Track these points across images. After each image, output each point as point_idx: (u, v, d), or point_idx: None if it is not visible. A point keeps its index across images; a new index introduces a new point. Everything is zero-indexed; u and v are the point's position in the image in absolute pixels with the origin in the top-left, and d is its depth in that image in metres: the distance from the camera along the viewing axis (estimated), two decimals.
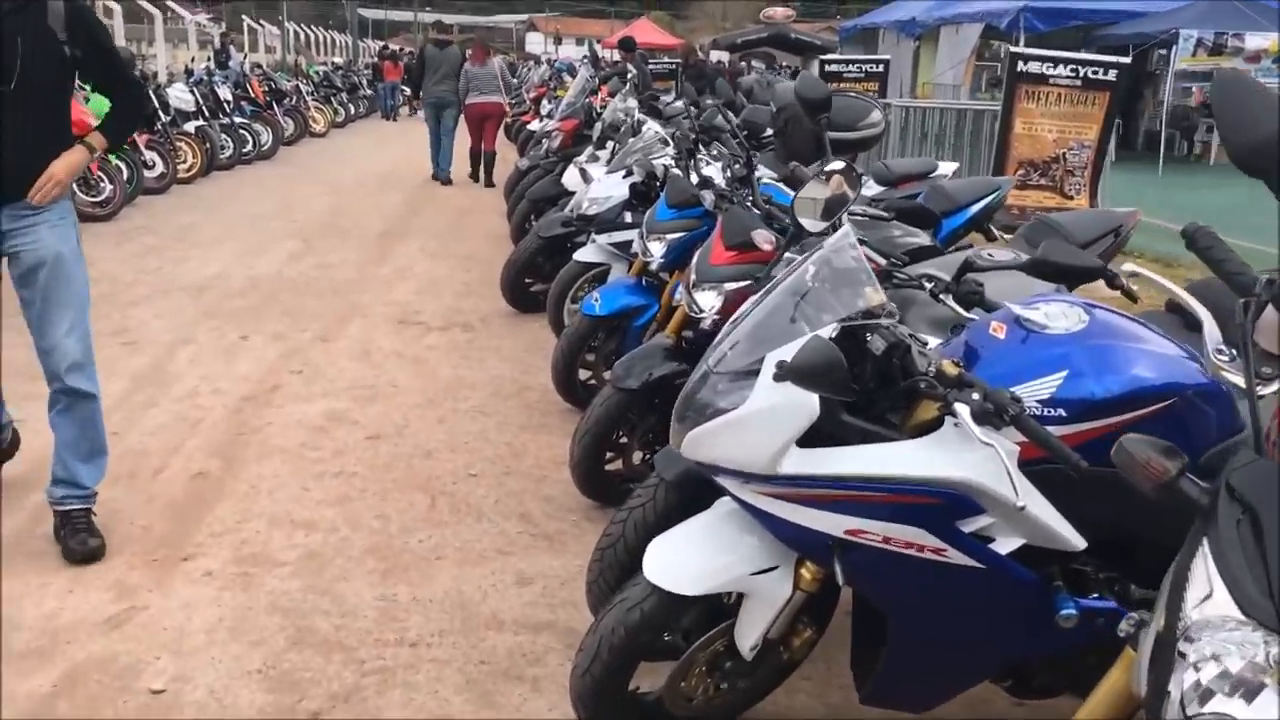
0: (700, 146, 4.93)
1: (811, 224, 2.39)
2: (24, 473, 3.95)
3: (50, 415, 3.47)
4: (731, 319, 2.32)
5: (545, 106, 15.11)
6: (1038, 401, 2.03)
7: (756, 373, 2.06)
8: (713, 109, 7.55)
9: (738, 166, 3.97)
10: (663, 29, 52.49)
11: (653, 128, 6.14)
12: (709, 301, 3.54)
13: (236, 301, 6.84)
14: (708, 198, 4.10)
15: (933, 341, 2.31)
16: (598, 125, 7.34)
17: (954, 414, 1.93)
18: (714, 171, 4.70)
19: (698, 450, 2.17)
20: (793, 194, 4.08)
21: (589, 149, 7.42)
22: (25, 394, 4.39)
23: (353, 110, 23.73)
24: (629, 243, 5.46)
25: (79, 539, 3.38)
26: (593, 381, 4.93)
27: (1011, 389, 1.96)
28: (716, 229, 3.64)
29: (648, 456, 3.86)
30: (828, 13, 75.77)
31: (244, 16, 28.60)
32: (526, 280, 6.75)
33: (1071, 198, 8.25)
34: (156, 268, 7.76)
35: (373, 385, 5.21)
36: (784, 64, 34.35)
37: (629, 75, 9.18)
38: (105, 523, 3.53)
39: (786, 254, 2.43)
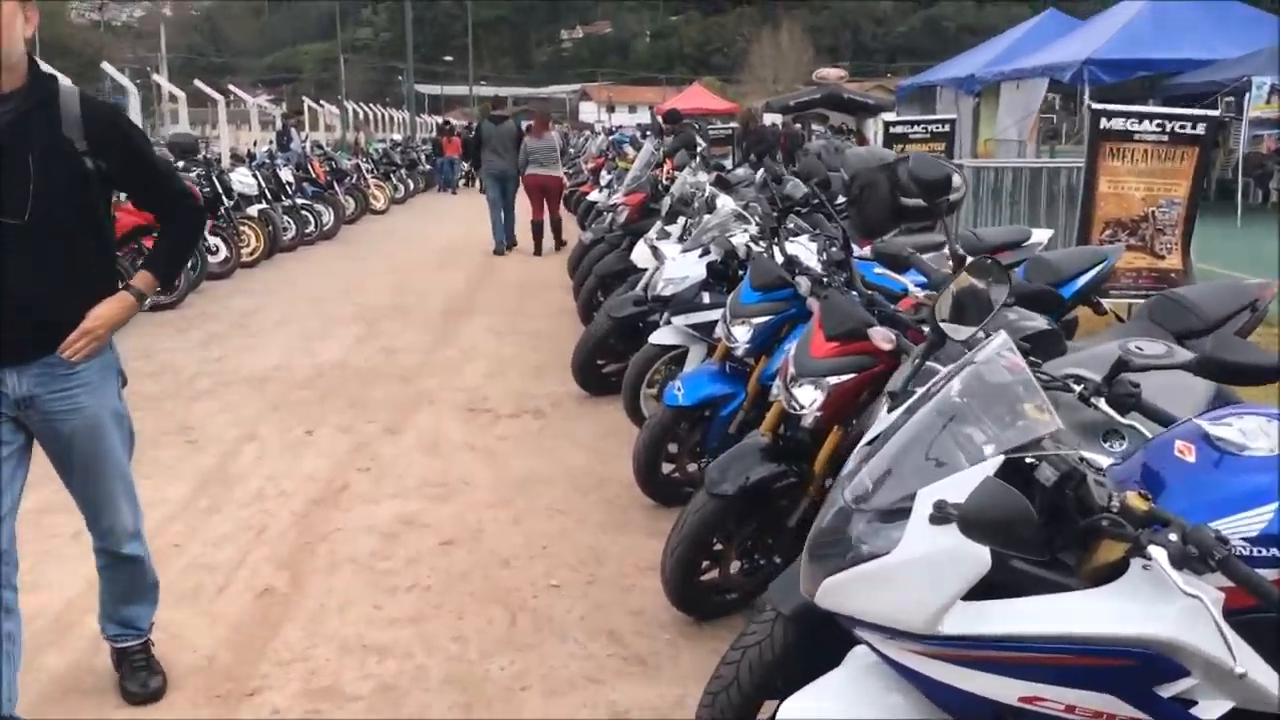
0: (782, 222, 4.67)
1: (956, 330, 2.09)
2: (76, 596, 3.73)
3: (98, 566, 3.17)
4: (865, 439, 2.02)
5: (605, 177, 15.05)
6: (1244, 540, 1.70)
7: (905, 512, 1.76)
8: (793, 180, 7.36)
9: (835, 249, 3.67)
10: (715, 94, 52.84)
11: (728, 203, 5.92)
12: (809, 397, 3.25)
13: (301, 392, 6.67)
14: (803, 284, 3.83)
15: (1101, 460, 1.99)
16: (666, 199, 7.14)
17: (1146, 557, 1.61)
18: (800, 248, 4.44)
19: (836, 599, 1.86)
20: (891, 274, 3.84)
21: (658, 224, 7.21)
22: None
23: (412, 186, 23.95)
24: (708, 324, 5.21)
25: (138, 679, 3.14)
26: (676, 475, 4.65)
27: (1213, 525, 1.64)
28: (815, 318, 3.36)
29: (746, 566, 3.56)
30: (878, 71, 76.22)
31: (304, 97, 29.11)
32: (598, 361, 6.52)
33: (1163, 257, 7.85)
34: (219, 358, 7.64)
35: (444, 482, 4.96)
36: (842, 124, 34.27)
37: (698, 148, 8.96)
38: (165, 652, 3.29)
39: (927, 362, 2.13)
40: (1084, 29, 21.29)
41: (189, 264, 9.73)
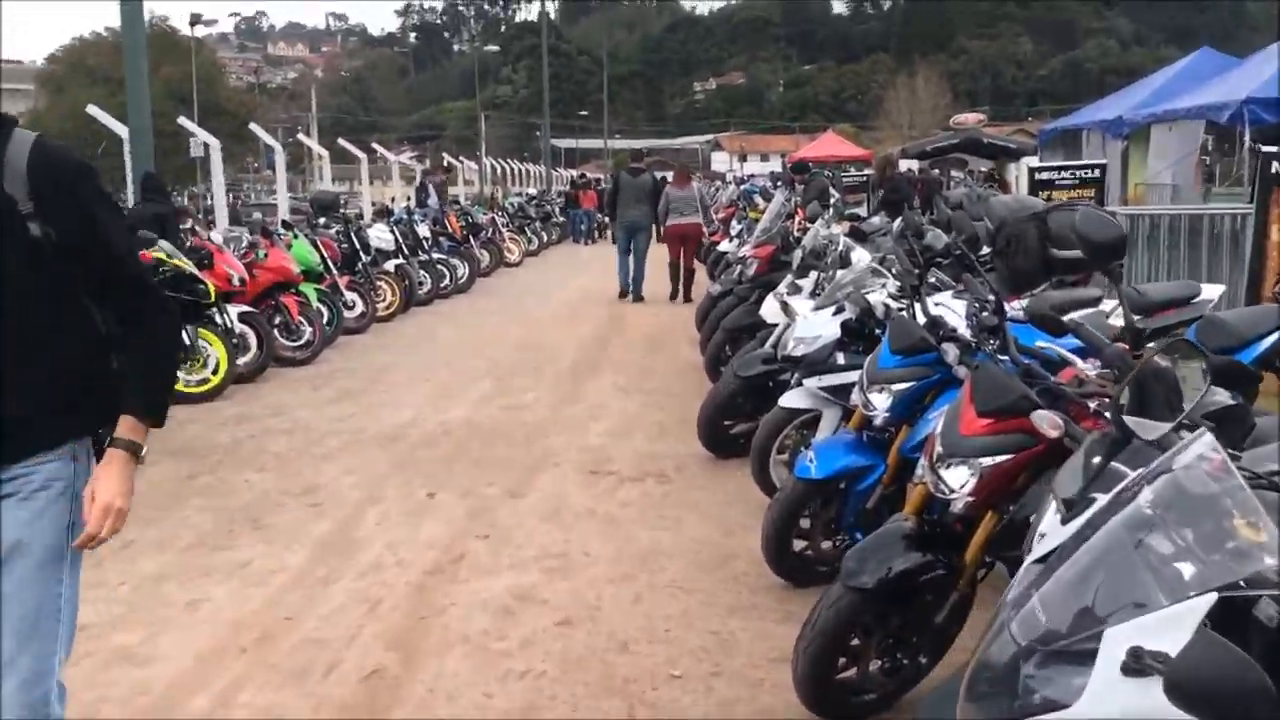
0: (923, 279, 4.35)
1: (1143, 427, 1.77)
2: (183, 673, 3.62)
3: None
4: (1033, 556, 1.71)
5: (735, 227, 14.86)
6: None
7: (1089, 655, 1.45)
8: (934, 231, 7.01)
9: (987, 313, 3.33)
10: (849, 141, 52.30)
11: (863, 257, 5.61)
12: (960, 480, 2.92)
13: (427, 451, 6.59)
14: (950, 351, 3.51)
15: None
16: (797, 252, 6.86)
17: None
18: (944, 309, 4.11)
19: None
20: (1048, 342, 3.48)
21: (788, 278, 6.92)
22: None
23: (545, 238, 24.25)
24: (842, 387, 4.90)
25: None
26: (809, 552, 4.33)
27: None
28: (965, 390, 3.03)
29: (887, 665, 3.22)
30: (1018, 115, 74.48)
31: (444, 154, 29.89)
32: (725, 422, 6.25)
33: None
34: (350, 415, 7.65)
35: (563, 553, 4.75)
36: (991, 170, 33.43)
37: (832, 200, 8.67)
38: None
39: (1112, 463, 1.81)
40: (1241, 68, 20.19)
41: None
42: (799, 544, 4.29)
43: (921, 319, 4.03)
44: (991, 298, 3.34)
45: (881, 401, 3.94)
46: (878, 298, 4.82)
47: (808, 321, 5.12)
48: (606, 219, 28.70)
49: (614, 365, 9.54)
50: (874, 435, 4.14)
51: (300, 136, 22.41)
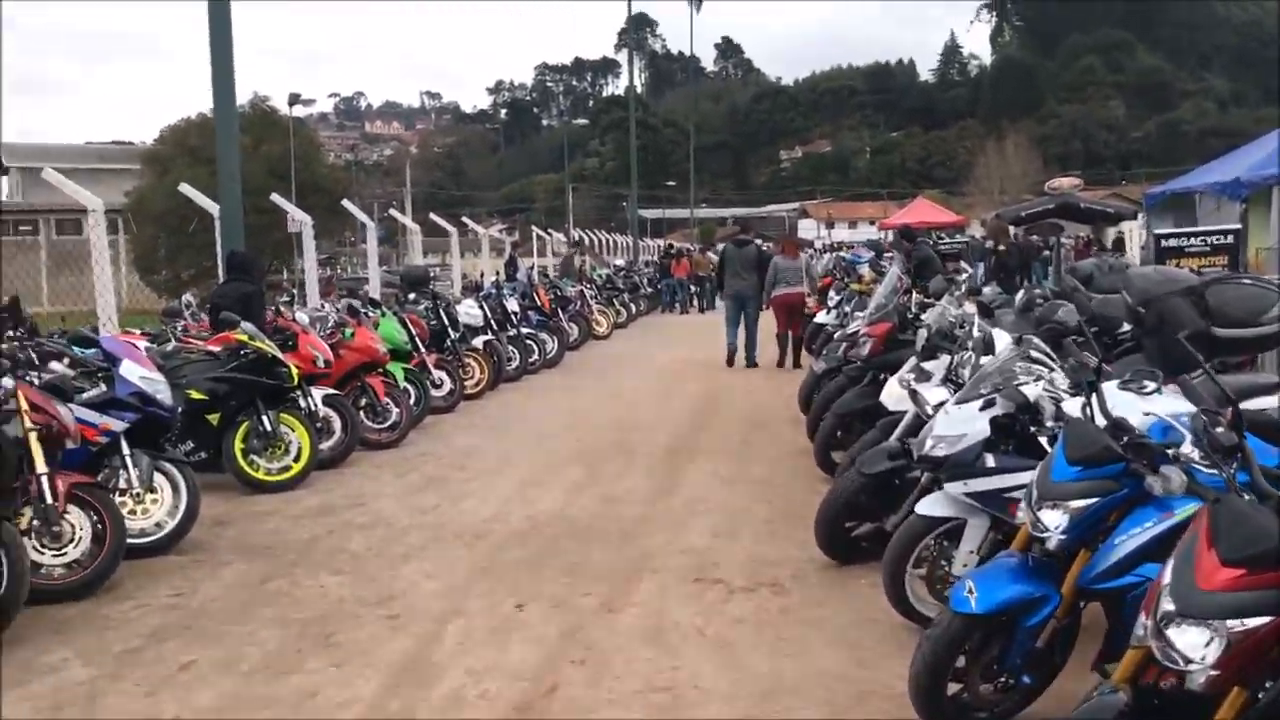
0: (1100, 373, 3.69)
1: None
2: None
3: None
4: None
5: (832, 298, 14.24)
6: None
7: None
8: (1065, 306, 6.34)
9: (1221, 428, 2.65)
10: (941, 206, 51.43)
11: (1005, 341, 4.97)
12: (1197, 647, 2.29)
13: (515, 552, 6.04)
14: (1174, 478, 2.84)
15: None
16: (921, 332, 6.22)
17: None
18: (1126, 407, 3.45)
19: None
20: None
21: (911, 361, 6.29)
22: None
23: (634, 309, 23.87)
24: (992, 493, 4.25)
25: None
26: (965, 695, 3.64)
27: None
28: (1200, 531, 2.38)
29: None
30: (1112, 179, 72.74)
31: (533, 226, 29.89)
32: (847, 523, 5.59)
33: None
34: (434, 506, 7.16)
35: (669, 687, 4.13)
36: (1080, 235, 32.39)
37: (962, 277, 8.03)
38: None
39: None
40: None
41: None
42: (953, 686, 3.61)
43: (1100, 420, 3.38)
44: (1224, 405, 2.68)
45: (1055, 521, 3.29)
46: (1036, 391, 4.17)
47: (950, 417, 4.47)
48: (695, 289, 28.69)
49: (712, 449, 8.94)
50: (1044, 560, 3.48)
51: (393, 212, 22.54)
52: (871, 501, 5.52)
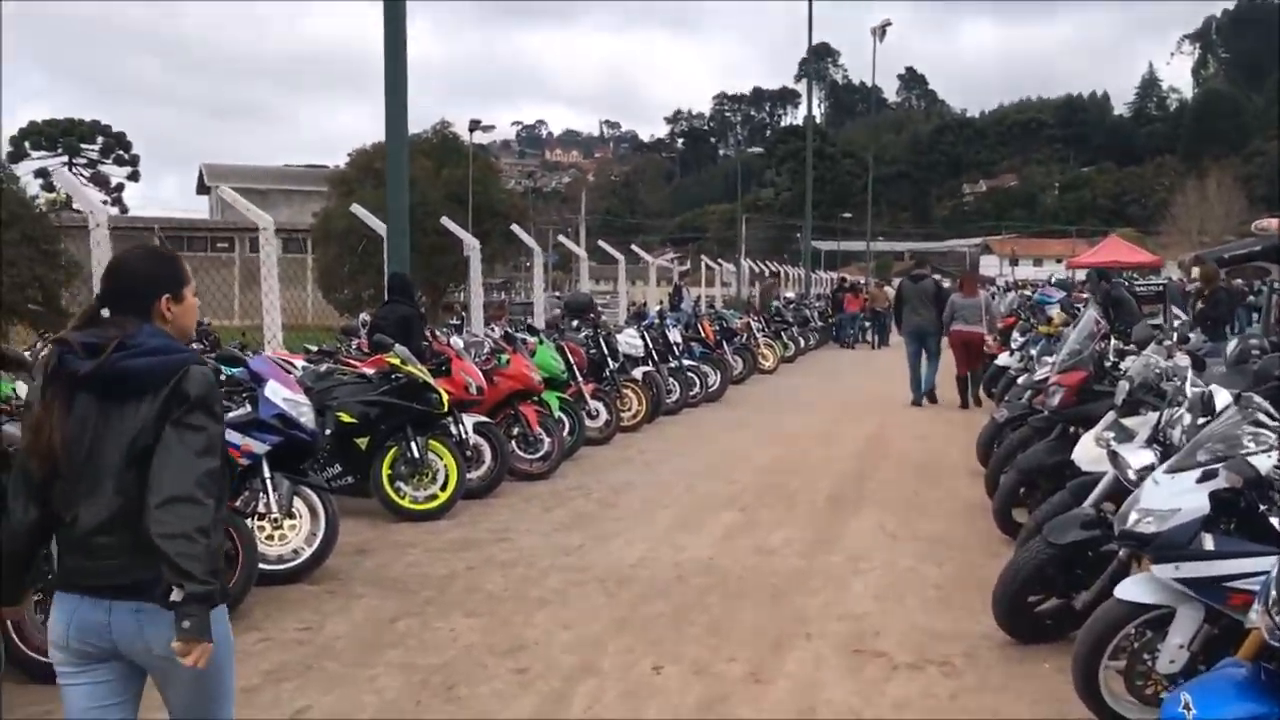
0: None
1: None
2: None
3: None
4: None
5: (1016, 339, 13.36)
6: None
7: None
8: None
9: None
10: (1134, 246, 48.73)
11: (1224, 398, 4.27)
12: None
13: (657, 604, 5.62)
14: None
15: None
16: (1123, 384, 5.51)
17: None
18: None
19: None
20: None
21: (1109, 416, 5.59)
22: None
23: (803, 344, 23.21)
24: (1210, 580, 3.59)
25: None
26: None
27: None
28: None
29: None
30: None
31: (703, 255, 29.61)
32: (1030, 598, 4.95)
33: None
34: (579, 546, 6.82)
35: None
36: (1272, 280, 29.96)
37: (1175, 323, 7.23)
38: None
39: None
40: None
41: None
42: None
43: None
44: None
45: None
46: (1268, 464, 3.50)
47: (1160, 488, 3.81)
48: (869, 324, 27.84)
49: (878, 500, 8.32)
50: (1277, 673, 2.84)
51: (562, 239, 22.54)
52: (1059, 575, 4.88)
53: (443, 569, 6.28)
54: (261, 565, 5.44)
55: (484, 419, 8.53)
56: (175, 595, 2.33)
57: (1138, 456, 4.54)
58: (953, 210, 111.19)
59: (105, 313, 2.55)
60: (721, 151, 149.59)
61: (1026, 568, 4.80)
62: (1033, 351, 11.58)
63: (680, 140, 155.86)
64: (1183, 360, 5.36)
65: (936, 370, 14.51)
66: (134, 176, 72.18)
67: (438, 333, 9.18)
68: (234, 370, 6.14)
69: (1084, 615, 4.92)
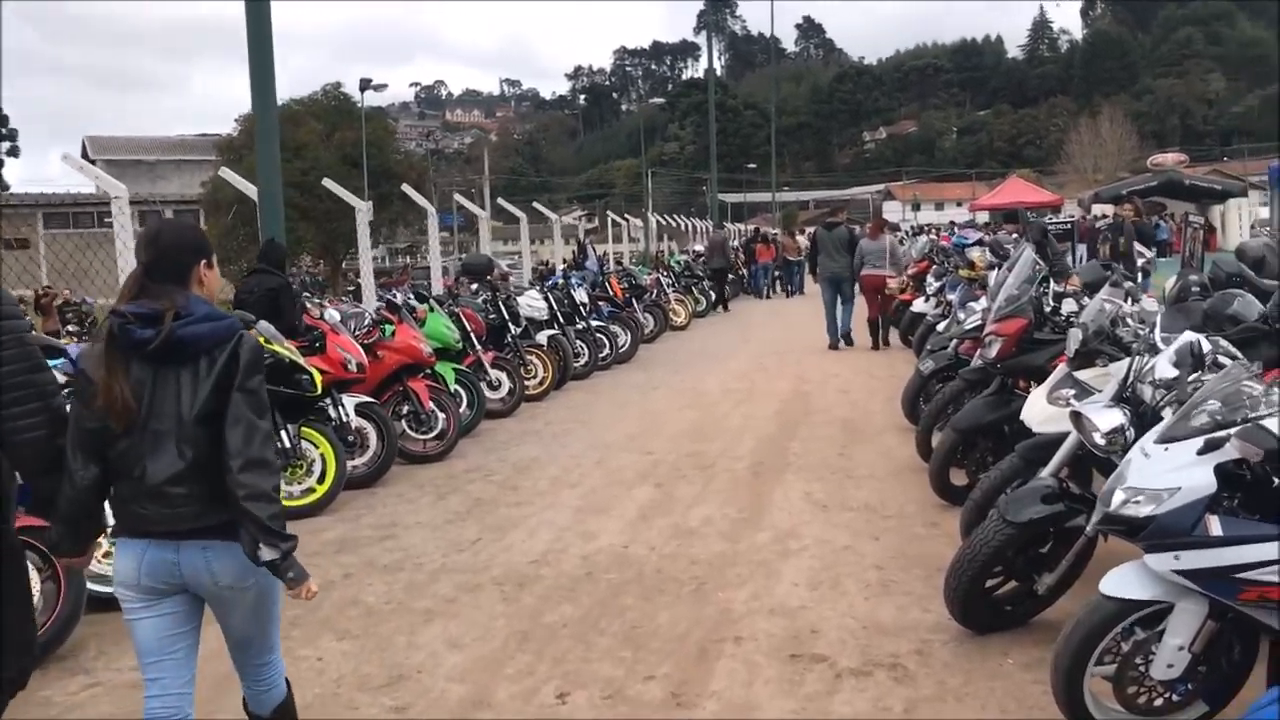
0: None
1: None
2: None
3: None
4: None
5: (930, 284, 12.88)
6: None
7: None
8: (1241, 296, 5.02)
9: None
10: (1034, 185, 49.16)
11: (1230, 354, 3.65)
12: None
13: (564, 609, 4.88)
14: None
15: None
16: (1074, 332, 4.91)
17: None
18: None
19: None
20: None
21: (1060, 369, 4.99)
22: None
23: (714, 297, 22.57)
24: (1218, 571, 2.98)
25: None
26: None
27: None
28: None
29: None
30: (1211, 155, 69.18)
31: (609, 212, 28.72)
32: (988, 583, 4.33)
33: None
34: (474, 541, 6.04)
35: None
36: (1191, 214, 30.37)
37: (1140, 261, 6.66)
38: None
39: None
40: None
41: None
42: None
43: None
44: None
45: None
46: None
47: (1152, 462, 3.18)
48: (780, 274, 27.43)
49: (804, 464, 7.69)
50: None
51: (458, 198, 21.52)
52: (1019, 557, 4.27)
53: (315, 578, 5.43)
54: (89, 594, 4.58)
55: (368, 399, 7.69)
56: (268, 554, 2.67)
57: (1105, 417, 3.91)
58: (854, 158, 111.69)
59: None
60: (624, 107, 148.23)
61: (983, 553, 4.16)
62: (950, 297, 11.08)
63: (582, 97, 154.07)
64: (1151, 304, 4.78)
65: (851, 314, 14.76)
66: (14, 152, 68.60)
67: (308, 305, 8.25)
68: (55, 361, 5.20)
69: (1047, 600, 4.36)
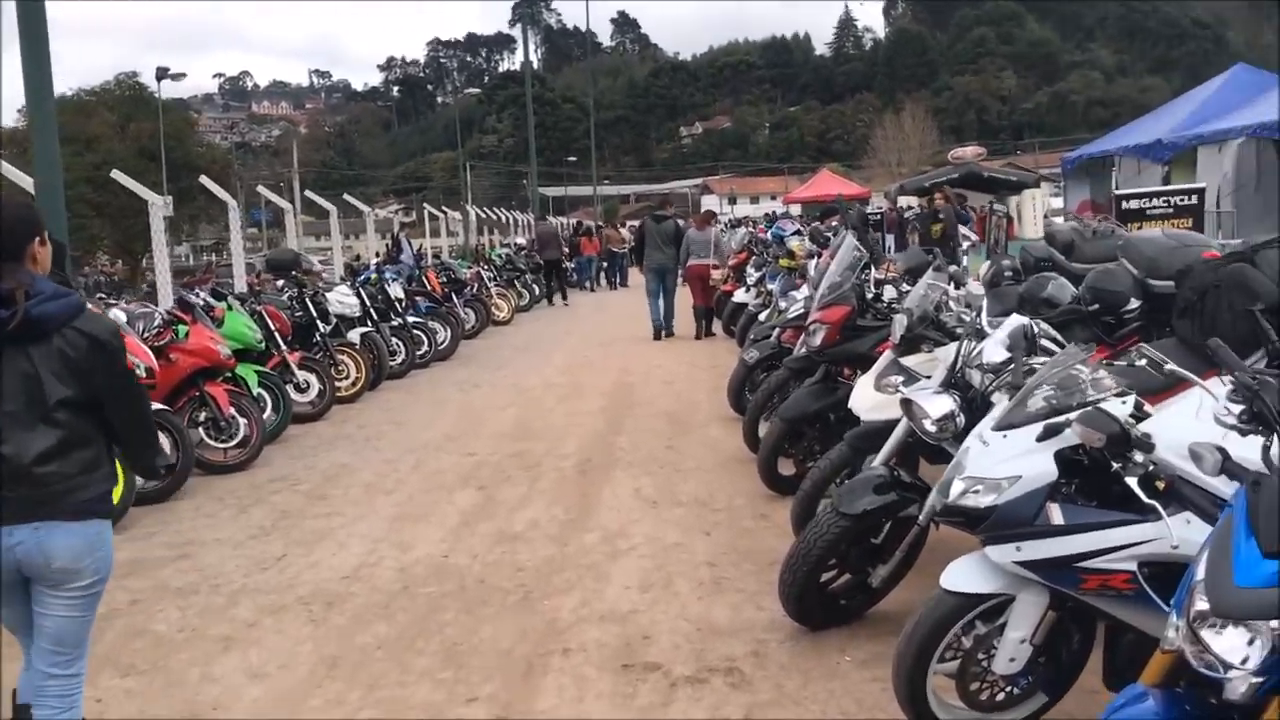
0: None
1: None
2: None
3: None
4: None
5: (750, 274, 12.93)
6: None
7: None
8: (1055, 280, 5.09)
9: None
10: (843, 178, 50.86)
11: (1050, 341, 3.61)
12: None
13: (378, 628, 4.51)
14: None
15: None
16: (899, 318, 4.84)
17: None
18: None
19: None
20: None
21: (886, 356, 4.93)
22: None
23: (537, 291, 22.26)
24: (1060, 562, 2.89)
25: None
26: None
27: None
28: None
29: None
30: (1005, 149, 73.20)
31: (426, 205, 27.92)
32: (823, 577, 4.20)
33: None
34: (279, 558, 5.57)
35: None
36: (994, 204, 31.90)
37: (964, 245, 6.67)
38: None
39: None
40: None
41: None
42: None
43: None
44: None
45: (1243, 652, 1.92)
46: (1124, 411, 2.81)
47: (991, 450, 3.07)
48: (605, 265, 27.39)
49: (631, 460, 7.49)
50: (1202, 700, 2.12)
51: (261, 188, 20.42)
52: (852, 549, 4.16)
53: (99, 607, 4.89)
54: None
55: (160, 406, 7.04)
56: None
57: (935, 404, 3.83)
58: (672, 153, 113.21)
59: None
60: (440, 99, 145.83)
61: (817, 547, 4.02)
62: (771, 287, 11.11)
63: (396, 89, 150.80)
64: (977, 289, 4.76)
65: (673, 306, 14.87)
66: None
67: (90, 304, 7.52)
68: None
69: (881, 591, 4.27)
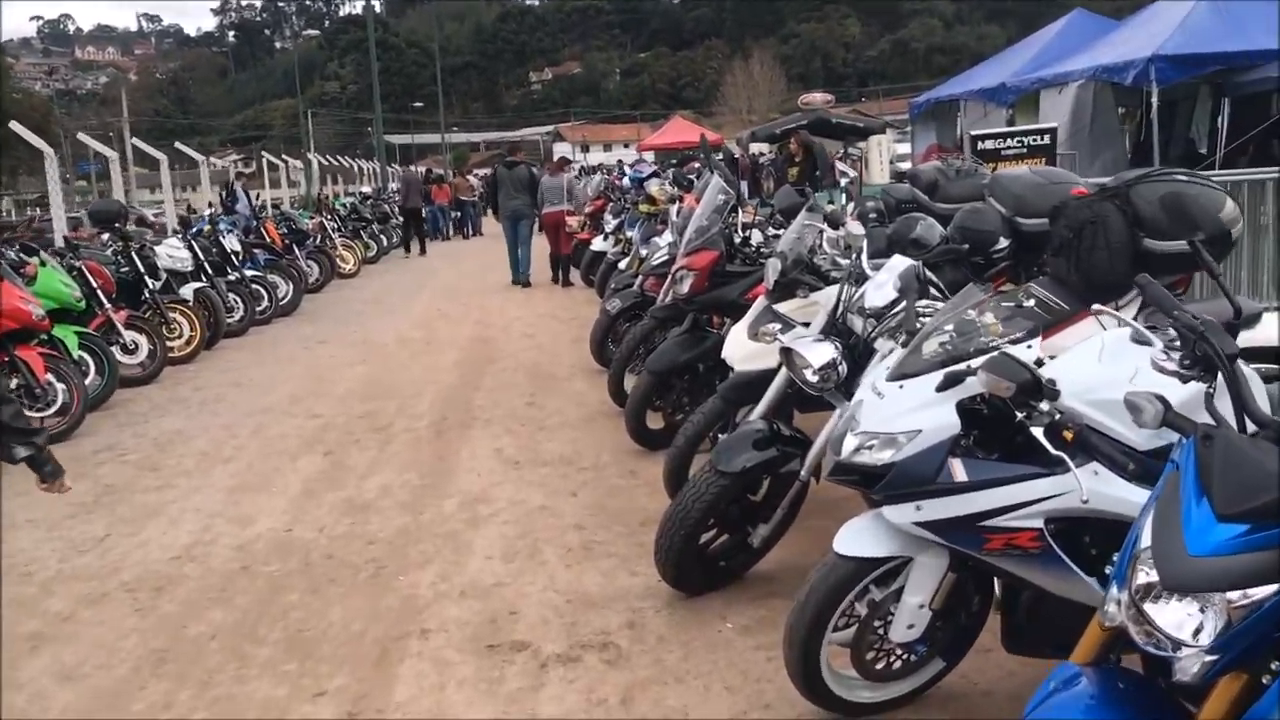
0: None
1: None
2: None
3: None
4: None
5: (609, 222, 12.60)
6: None
7: None
8: (925, 220, 4.92)
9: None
10: (696, 125, 50.80)
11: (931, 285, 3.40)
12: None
13: (213, 614, 4.05)
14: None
15: None
16: (773, 262, 4.57)
17: None
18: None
19: None
20: None
21: (759, 302, 4.66)
22: None
23: (385, 242, 21.42)
24: (962, 521, 2.67)
25: None
26: None
27: None
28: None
29: None
30: (850, 96, 74.56)
31: (265, 154, 26.53)
32: (701, 539, 3.93)
33: None
34: (102, 538, 5.02)
35: None
36: (850, 149, 32.29)
37: (844, 181, 6.41)
38: None
39: None
40: (1129, 27, 19.01)
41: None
42: None
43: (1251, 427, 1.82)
44: None
45: (1193, 624, 1.71)
46: (1031, 357, 2.58)
47: (886, 402, 2.82)
48: (457, 214, 26.64)
49: (491, 416, 7.11)
50: (1144, 682, 1.92)
51: (83, 136, 18.98)
52: (733, 507, 3.91)
53: None
54: None
55: None
56: (23, 452, 2.96)
57: (817, 352, 3.58)
58: (522, 99, 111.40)
59: None
60: (279, 44, 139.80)
61: (695, 508, 3.74)
62: (630, 234, 10.79)
63: (232, 33, 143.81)
64: (857, 229, 4.52)
65: (530, 252, 14.62)
66: None
67: None
68: None
69: (760, 551, 4.04)
